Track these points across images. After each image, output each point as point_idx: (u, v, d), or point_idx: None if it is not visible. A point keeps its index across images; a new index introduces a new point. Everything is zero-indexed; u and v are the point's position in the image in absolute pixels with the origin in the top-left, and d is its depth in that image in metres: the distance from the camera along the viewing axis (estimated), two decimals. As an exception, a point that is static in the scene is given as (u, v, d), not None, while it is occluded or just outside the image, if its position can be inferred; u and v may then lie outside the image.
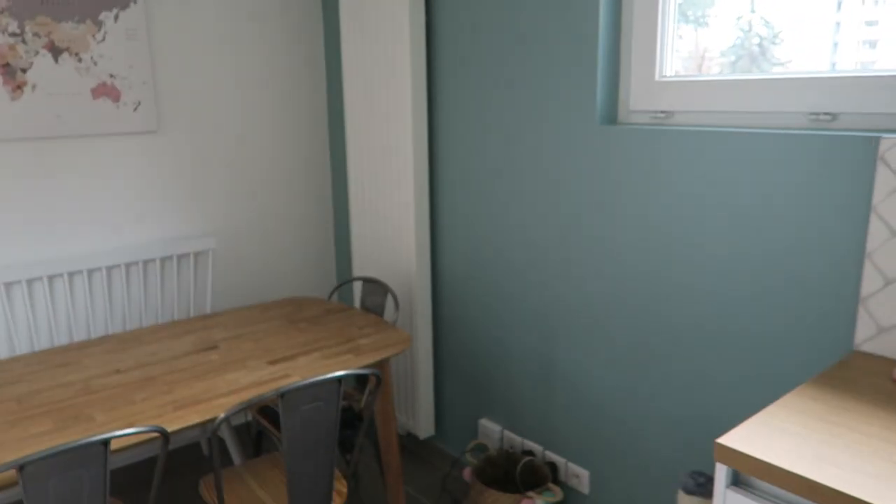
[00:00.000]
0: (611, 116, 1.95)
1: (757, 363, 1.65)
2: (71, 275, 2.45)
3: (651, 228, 1.82)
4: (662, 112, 1.85)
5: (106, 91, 2.43)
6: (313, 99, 2.99)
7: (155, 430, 1.40)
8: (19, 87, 2.25)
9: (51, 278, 2.41)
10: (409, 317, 2.56)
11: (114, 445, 1.43)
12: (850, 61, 1.53)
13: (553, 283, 2.12)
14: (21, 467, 1.22)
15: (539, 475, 2.22)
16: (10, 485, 1.34)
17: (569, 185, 2.01)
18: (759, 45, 1.69)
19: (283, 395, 1.50)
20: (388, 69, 2.44)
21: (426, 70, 2.40)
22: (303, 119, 2.98)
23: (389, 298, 2.64)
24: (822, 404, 1.22)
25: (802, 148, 1.50)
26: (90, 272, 2.49)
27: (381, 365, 2.01)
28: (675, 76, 1.83)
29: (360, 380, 2.48)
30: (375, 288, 2.38)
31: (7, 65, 2.22)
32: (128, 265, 2.57)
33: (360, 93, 2.61)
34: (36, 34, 2.26)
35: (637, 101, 1.90)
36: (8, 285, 2.33)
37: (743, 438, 1.10)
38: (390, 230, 2.59)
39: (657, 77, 1.85)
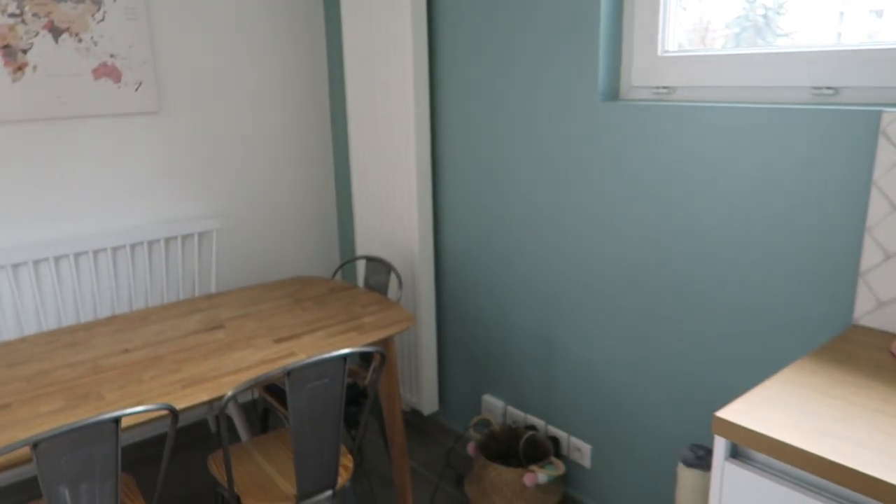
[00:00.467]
0: (613, 92, 1.94)
1: (757, 337, 1.66)
2: (77, 255, 2.47)
3: (653, 204, 1.82)
4: (665, 88, 1.85)
5: (107, 71, 2.42)
6: (315, 78, 2.98)
7: (164, 408, 1.42)
8: (20, 68, 2.25)
9: (57, 259, 2.43)
10: (413, 294, 2.58)
11: (124, 423, 1.45)
12: (857, 31, 1.52)
13: (555, 259, 2.13)
14: (35, 445, 1.25)
15: (541, 449, 2.25)
16: (25, 462, 1.37)
17: (571, 161, 2.02)
18: (764, 15, 1.67)
19: (289, 372, 1.52)
20: (389, 46, 2.42)
21: (427, 46, 2.39)
22: (305, 98, 2.97)
23: (393, 277, 2.66)
24: (821, 378, 1.23)
25: (804, 122, 1.50)
26: (95, 253, 2.51)
27: (386, 343, 2.04)
28: (678, 51, 1.82)
29: (365, 357, 2.50)
30: (378, 266, 2.39)
31: (7, 46, 2.22)
32: (132, 246, 2.59)
33: (361, 70, 2.60)
34: (35, 14, 2.25)
35: (639, 76, 1.89)
36: (15, 267, 2.35)
37: (741, 412, 1.12)
38: (393, 209, 2.59)
39: (660, 52, 1.84)
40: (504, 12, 2.11)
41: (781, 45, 1.64)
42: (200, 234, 2.76)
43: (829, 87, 1.54)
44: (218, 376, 1.68)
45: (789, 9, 1.62)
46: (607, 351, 2.03)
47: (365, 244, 2.80)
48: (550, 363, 2.23)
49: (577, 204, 2.02)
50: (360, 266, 2.86)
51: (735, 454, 1.14)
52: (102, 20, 2.38)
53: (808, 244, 1.53)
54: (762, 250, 1.61)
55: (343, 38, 2.65)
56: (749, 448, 1.10)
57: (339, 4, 2.84)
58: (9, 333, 2.38)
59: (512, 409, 2.42)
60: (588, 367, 2.10)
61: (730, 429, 1.10)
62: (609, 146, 1.90)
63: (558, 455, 2.26)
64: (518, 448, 2.32)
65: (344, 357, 1.59)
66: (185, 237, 2.72)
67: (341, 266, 2.48)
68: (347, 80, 2.68)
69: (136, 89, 2.49)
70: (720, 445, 1.14)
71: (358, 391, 2.26)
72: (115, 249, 2.55)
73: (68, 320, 2.49)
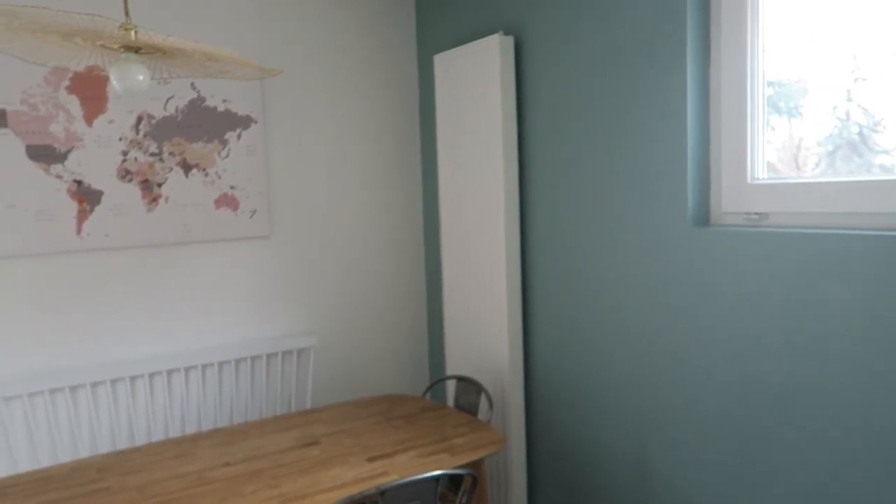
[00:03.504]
0: (703, 218, 1.97)
1: (864, 472, 1.55)
2: (187, 370, 2.63)
3: (750, 329, 1.79)
4: (756, 214, 1.86)
5: (227, 201, 2.68)
6: (410, 204, 3.17)
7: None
8: (154, 199, 2.53)
9: (170, 373, 2.60)
10: (503, 415, 2.56)
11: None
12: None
13: (648, 383, 2.09)
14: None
15: (640, 589, 2.11)
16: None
17: (663, 285, 2.03)
18: (859, 133, 1.64)
19: (383, 492, 1.54)
20: (481, 180, 2.57)
21: (518, 180, 2.52)
22: (400, 223, 3.15)
23: (483, 397, 2.67)
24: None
25: (907, 250, 1.47)
26: (204, 367, 2.67)
27: (476, 465, 2.02)
28: (768, 179, 1.84)
29: (454, 480, 2.47)
30: (468, 387, 2.41)
31: (146, 180, 2.51)
32: (237, 361, 2.74)
33: (454, 200, 2.76)
34: (171, 153, 2.56)
35: (729, 203, 1.92)
36: (133, 379, 2.53)
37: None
38: (484, 329, 2.64)
39: (749, 180, 1.87)
40: (593, 138, 2.22)
41: (879, 162, 1.60)
42: (300, 351, 2.89)
43: (931, 214, 1.51)
44: (314, 493, 1.72)
45: (887, 126, 1.58)
46: (706, 480, 1.93)
47: (455, 363, 2.84)
48: (647, 490, 2.13)
49: (669, 326, 2.01)
50: (450, 385, 2.89)
51: None
52: (227, 156, 2.67)
53: (924, 375, 1.45)
54: (868, 381, 1.54)
55: (438, 174, 2.84)
56: None
57: (435, 150, 3.06)
58: (122, 443, 2.52)
59: (606, 543, 2.30)
60: (686, 498, 1.99)
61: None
62: (700, 271, 1.90)
63: None
64: (614, 586, 2.18)
65: (436, 479, 1.60)
66: (285, 353, 2.85)
67: (432, 385, 2.52)
68: (441, 207, 2.84)
69: (251, 216, 2.74)
70: None
71: (447, 515, 2.22)
72: (221, 364, 2.71)
73: (175, 431, 2.62)
